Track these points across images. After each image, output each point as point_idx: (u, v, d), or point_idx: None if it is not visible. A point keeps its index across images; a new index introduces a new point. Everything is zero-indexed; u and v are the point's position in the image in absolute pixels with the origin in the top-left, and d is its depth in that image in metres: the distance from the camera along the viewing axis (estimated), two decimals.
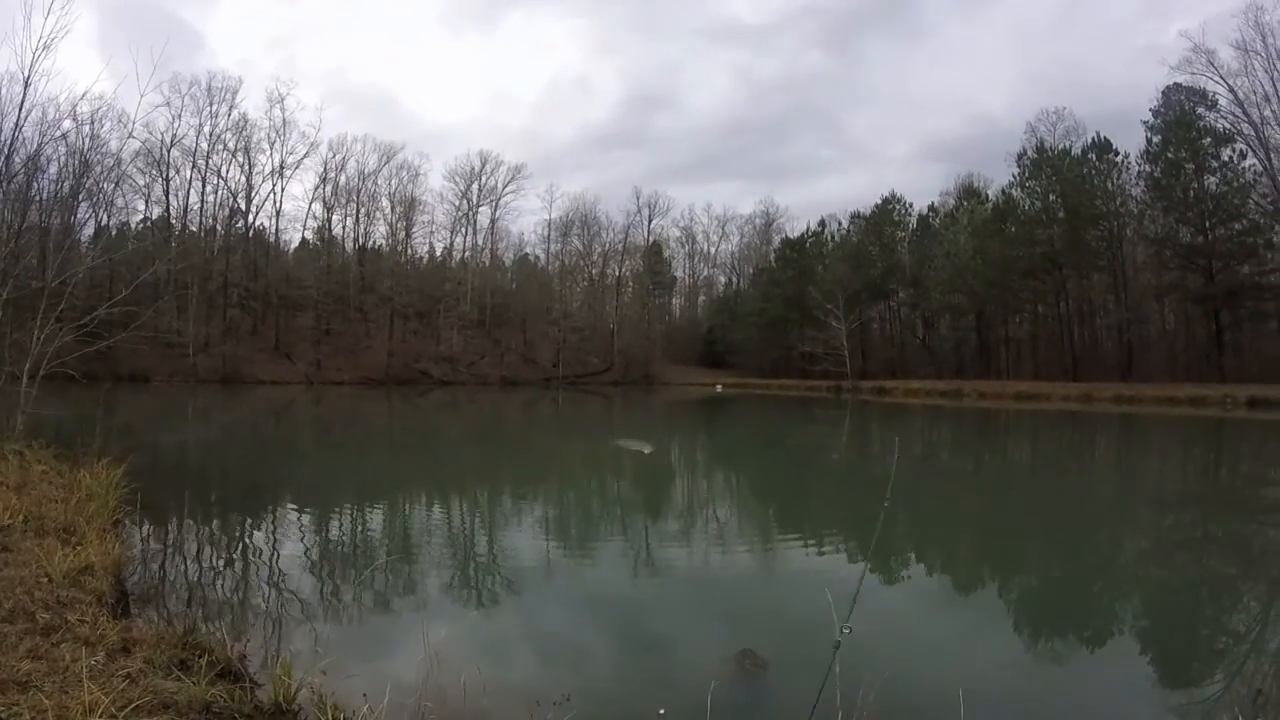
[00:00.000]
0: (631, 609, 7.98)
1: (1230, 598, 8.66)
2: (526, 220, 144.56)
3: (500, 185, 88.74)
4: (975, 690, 4.85)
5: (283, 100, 76.65)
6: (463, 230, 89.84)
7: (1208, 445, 25.83)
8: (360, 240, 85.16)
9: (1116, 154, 61.48)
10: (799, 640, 6.88)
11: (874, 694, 4.19)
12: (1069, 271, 61.68)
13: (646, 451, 16.85)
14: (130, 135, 52.82)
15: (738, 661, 5.96)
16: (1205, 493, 16.26)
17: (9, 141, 15.80)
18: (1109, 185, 61.62)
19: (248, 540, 10.79)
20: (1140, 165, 58.92)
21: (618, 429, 30.87)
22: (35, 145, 17.39)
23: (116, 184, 57.24)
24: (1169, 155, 54.57)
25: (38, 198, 24.10)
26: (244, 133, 73.64)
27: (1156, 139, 55.76)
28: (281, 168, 76.12)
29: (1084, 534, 11.87)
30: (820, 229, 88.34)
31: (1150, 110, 56.14)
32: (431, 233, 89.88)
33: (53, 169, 25.08)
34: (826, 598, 4.37)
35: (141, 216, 71.36)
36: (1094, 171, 61.76)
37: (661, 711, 5.14)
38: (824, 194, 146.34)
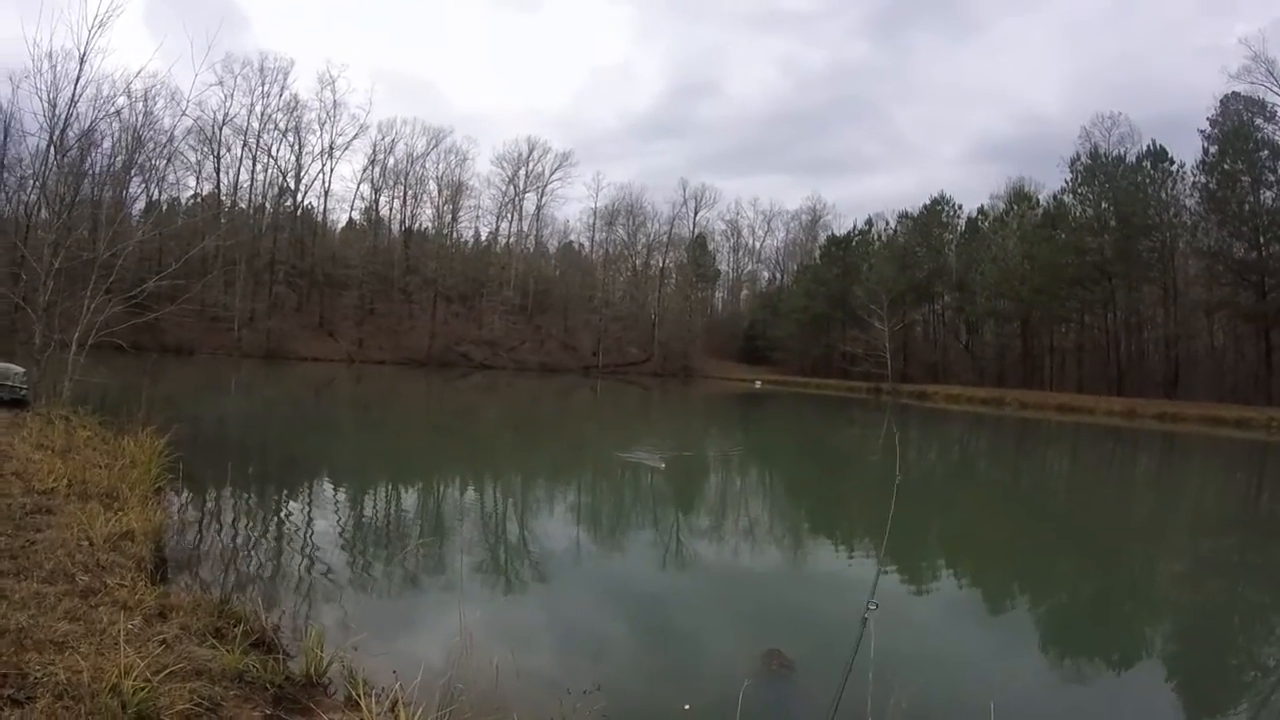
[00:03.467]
0: (659, 602, 7.96)
1: (1263, 628, 8.45)
2: (572, 208, 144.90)
3: (547, 172, 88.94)
4: (1006, 704, 4.75)
5: (334, 82, 77.45)
6: (508, 216, 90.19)
7: (1251, 470, 25.16)
8: (406, 222, 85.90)
9: (1172, 163, 59.70)
10: (827, 641, 6.81)
11: (905, 702, 4.13)
12: (1118, 282, 60.13)
13: (661, 467, 15.68)
14: (183, 113, 53.56)
15: (764, 661, 5.91)
16: (1245, 518, 15.85)
17: (64, 116, 16.12)
18: (1163, 195, 59.86)
19: (285, 513, 10.93)
20: (1195, 176, 57.17)
21: (644, 429, 30.73)
22: (90, 120, 17.69)
23: (168, 160, 58.16)
24: (1225, 167, 52.85)
25: (91, 171, 24.55)
26: (295, 113, 74.56)
27: (1213, 149, 53.98)
28: (331, 148, 77.02)
29: (1119, 554, 11.66)
30: (868, 227, 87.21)
31: (1207, 119, 54.45)
32: (477, 217, 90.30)
33: (106, 144, 25.51)
34: (858, 598, 4.31)
35: (192, 192, 72.50)
36: (1148, 180, 60.03)
37: (687, 707, 5.12)
38: (871, 191, 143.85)
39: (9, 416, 11.14)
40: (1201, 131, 54.81)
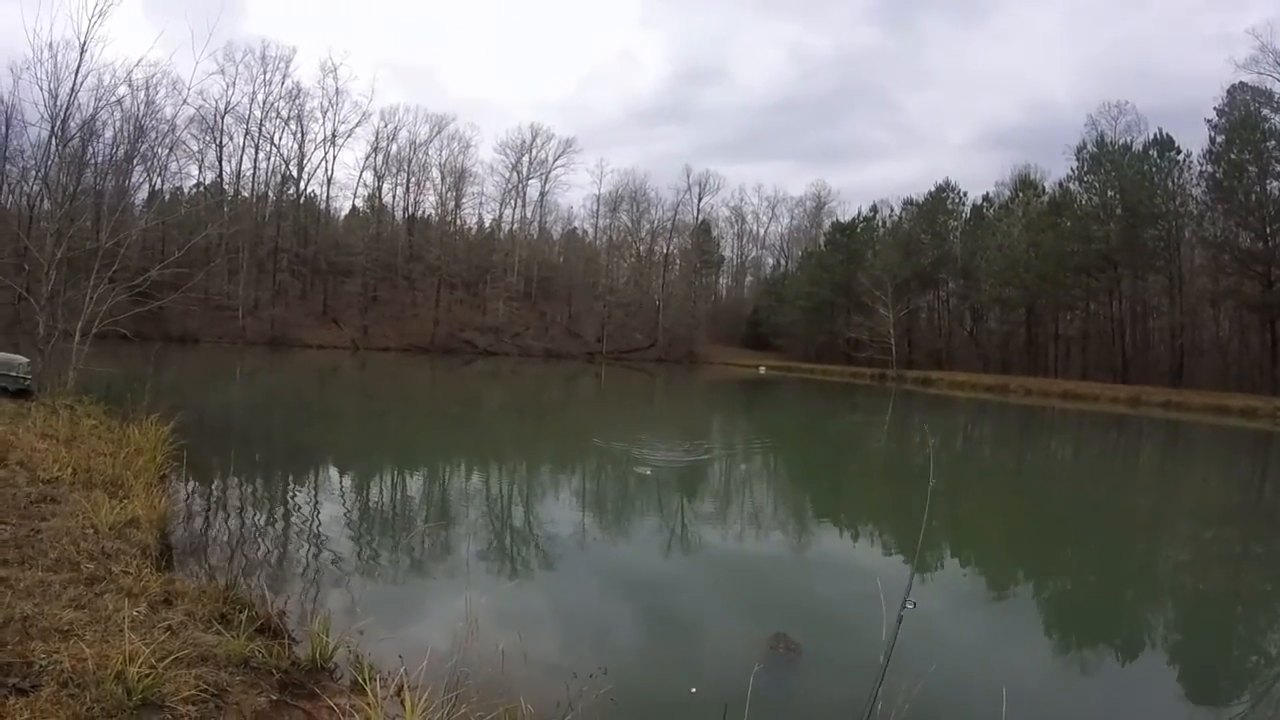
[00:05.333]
0: (664, 587, 7.96)
1: (1266, 617, 8.45)
2: (575, 194, 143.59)
3: (550, 159, 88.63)
4: (1017, 689, 4.72)
5: (336, 70, 77.18)
6: (512, 202, 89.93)
7: (1255, 459, 25.04)
8: (410, 209, 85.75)
9: (1178, 152, 59.20)
10: (833, 626, 6.82)
11: (920, 684, 4.11)
12: (1124, 270, 59.88)
13: (647, 473, 14.07)
14: (185, 102, 53.71)
15: (771, 644, 5.90)
16: (1249, 508, 15.76)
17: (65, 106, 16.07)
18: (1169, 184, 59.46)
19: (289, 500, 10.94)
20: (1202, 165, 56.71)
21: (648, 416, 30.70)
22: (91, 110, 17.65)
23: (171, 149, 58.11)
24: (1232, 156, 52.39)
25: (93, 161, 24.54)
26: (297, 101, 74.38)
27: (1220, 139, 53.56)
28: (334, 136, 76.82)
29: (1124, 541, 11.63)
30: (872, 214, 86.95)
31: (1215, 108, 54.01)
32: (481, 204, 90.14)
33: (108, 133, 25.50)
34: (875, 584, 4.31)
35: (195, 181, 72.37)
36: (1155, 169, 59.64)
37: (693, 690, 5.11)
38: (877, 178, 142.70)
39: (14, 407, 11.14)
40: (1209, 121, 54.46)
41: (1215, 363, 56.13)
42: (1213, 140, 54.34)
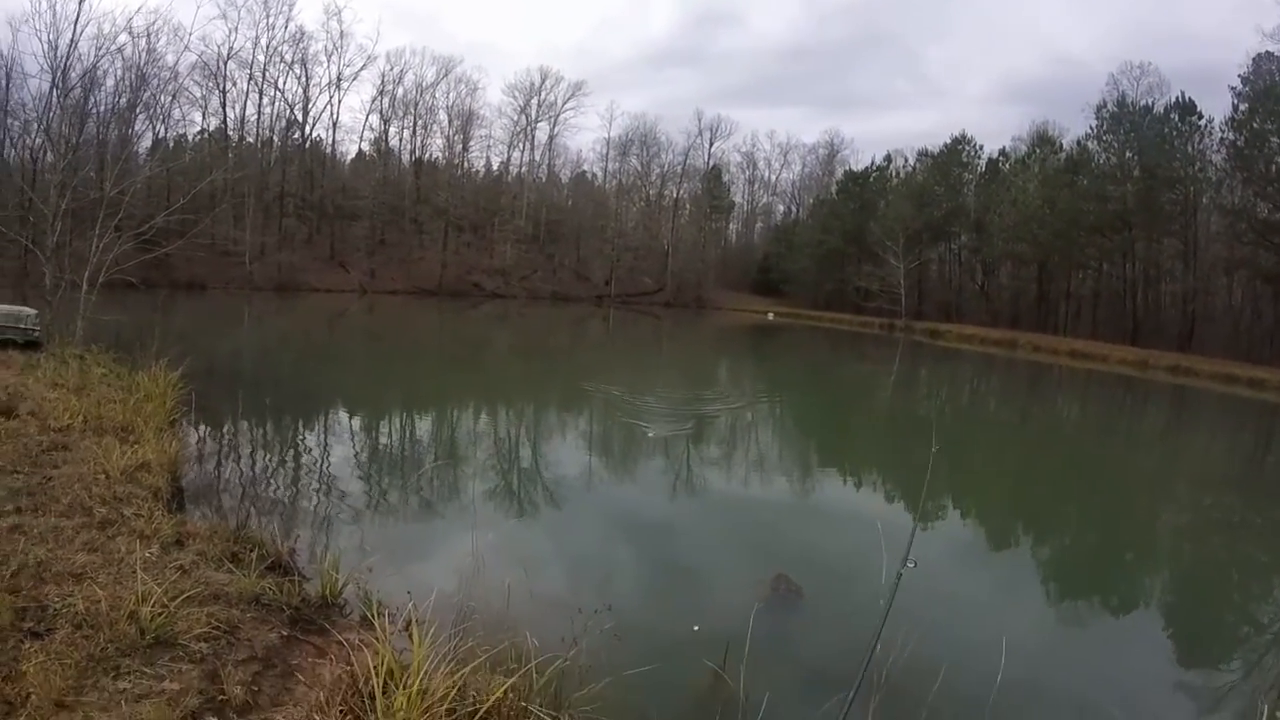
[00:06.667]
0: (668, 529, 8.07)
1: (1261, 585, 8.52)
2: (585, 137, 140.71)
3: (560, 101, 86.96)
4: (1015, 642, 4.77)
5: (340, 13, 75.88)
6: (520, 145, 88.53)
7: (1260, 430, 24.74)
8: (417, 153, 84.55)
9: (1200, 117, 57.82)
10: (833, 568, 6.93)
11: (918, 633, 4.17)
12: (1138, 233, 58.84)
13: (650, 434, 12.78)
14: (186, 48, 52.99)
15: (773, 585, 6.00)
16: (1250, 477, 15.66)
17: (65, 57, 15.92)
18: (1189, 148, 58.03)
19: (299, 442, 11.06)
20: (1224, 132, 55.42)
21: (656, 361, 30.66)
22: (92, 60, 17.46)
23: (173, 97, 57.35)
24: (1254, 126, 51.06)
25: (95, 111, 24.33)
26: (301, 45, 72.98)
27: (1243, 107, 52.22)
28: (339, 80, 75.46)
29: (1125, 502, 11.69)
30: (886, 164, 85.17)
31: (1239, 75, 52.60)
32: (489, 147, 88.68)
33: (109, 83, 25.25)
34: (876, 530, 4.37)
35: (199, 128, 71.16)
36: (1175, 132, 58.27)
37: (696, 628, 5.21)
38: (891, 128, 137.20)
39: (24, 358, 11.19)
40: (1232, 88, 52.92)
41: (1225, 331, 55.52)
42: (1235, 108, 53.03)
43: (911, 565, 3.67)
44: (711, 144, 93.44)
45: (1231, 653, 6.39)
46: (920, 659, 4.27)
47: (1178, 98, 59.15)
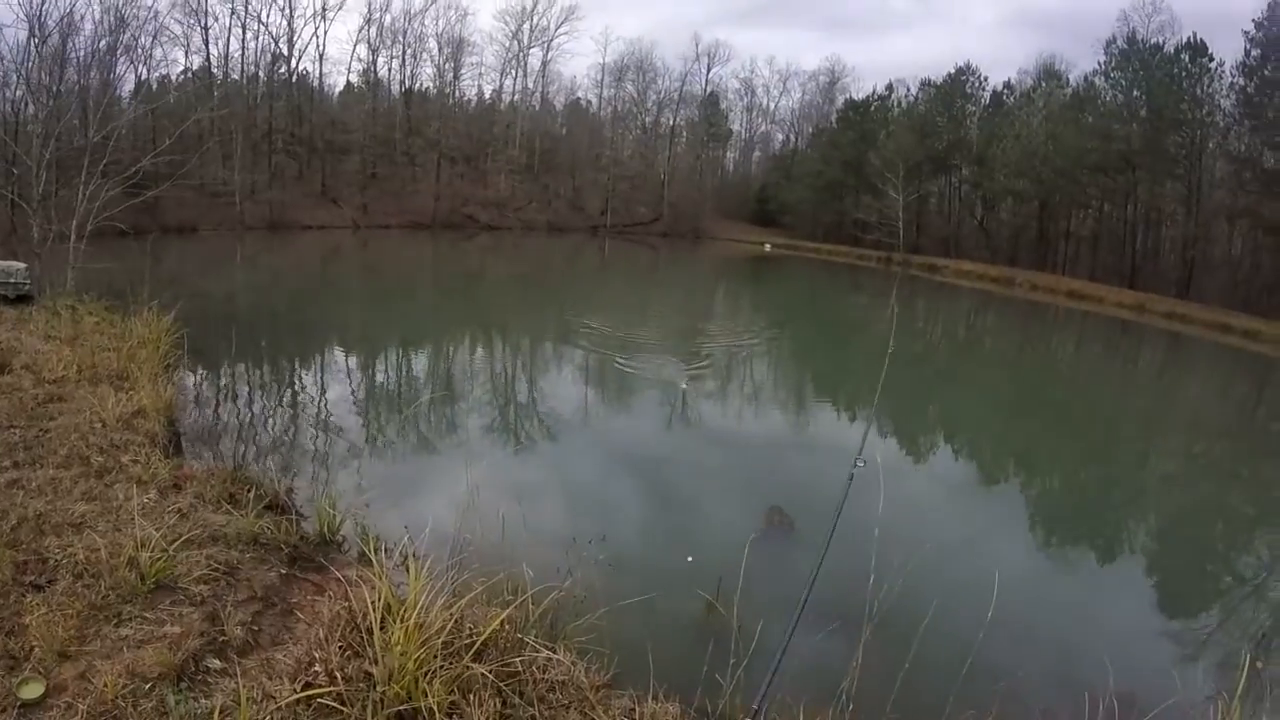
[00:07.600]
0: (663, 462, 8.14)
1: (1244, 537, 8.60)
2: (579, 64, 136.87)
3: (552, 26, 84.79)
4: (1008, 577, 4.82)
5: None
6: (512, 73, 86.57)
7: (1252, 382, 24.50)
8: (406, 83, 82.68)
9: (1210, 59, 56.60)
10: (826, 501, 6.99)
11: (910, 562, 4.22)
12: (1142, 174, 57.77)
13: (683, 386, 11.89)
14: None
15: (766, 518, 6.09)
16: (1239, 429, 15.45)
17: (41, 3, 15.47)
18: (1198, 91, 57.04)
19: (294, 381, 11.11)
20: (1234, 77, 54.18)
21: (656, 294, 30.49)
22: (68, 4, 16.98)
23: (154, 37, 55.58)
24: (1265, 73, 49.86)
25: (74, 57, 23.77)
26: None
27: (1255, 53, 51.03)
28: (324, 10, 73.54)
29: (1115, 445, 11.81)
30: (888, 93, 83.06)
31: (1254, 20, 51.13)
32: (480, 75, 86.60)
33: (88, 27, 24.58)
34: (874, 464, 4.39)
35: (182, 68, 69.32)
36: (1184, 74, 57.14)
37: (690, 559, 5.30)
38: (895, 55, 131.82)
39: (15, 313, 11.12)
40: (1245, 32, 51.55)
41: (1224, 280, 54.99)
42: (1247, 53, 51.59)
43: (862, 464, 3.96)
44: (709, 70, 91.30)
45: (1214, 601, 6.56)
46: (911, 594, 4.32)
47: (1189, 38, 57.54)
